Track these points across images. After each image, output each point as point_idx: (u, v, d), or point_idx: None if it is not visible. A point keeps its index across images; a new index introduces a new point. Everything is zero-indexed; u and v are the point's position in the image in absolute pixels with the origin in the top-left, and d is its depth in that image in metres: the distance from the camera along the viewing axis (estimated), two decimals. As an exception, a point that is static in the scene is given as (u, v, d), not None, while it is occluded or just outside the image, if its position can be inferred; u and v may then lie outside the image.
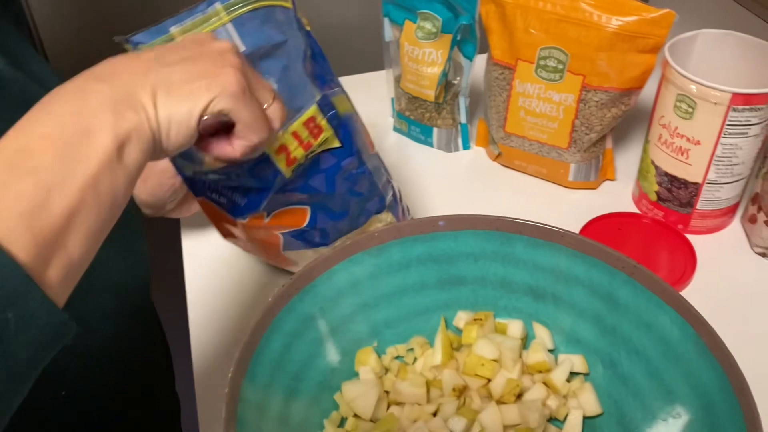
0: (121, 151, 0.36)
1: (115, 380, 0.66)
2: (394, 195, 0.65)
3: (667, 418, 0.51)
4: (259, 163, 0.53)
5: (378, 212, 0.63)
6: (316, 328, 0.56)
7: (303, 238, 0.62)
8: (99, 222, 0.36)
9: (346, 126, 0.57)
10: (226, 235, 0.63)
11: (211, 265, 0.73)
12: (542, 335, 0.58)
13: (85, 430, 0.64)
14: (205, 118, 0.40)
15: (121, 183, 0.37)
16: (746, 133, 0.67)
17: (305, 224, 0.60)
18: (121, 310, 0.63)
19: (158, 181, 0.63)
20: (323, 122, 0.55)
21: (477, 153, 0.89)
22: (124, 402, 0.70)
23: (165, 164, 0.61)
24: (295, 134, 0.54)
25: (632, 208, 0.79)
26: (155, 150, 0.39)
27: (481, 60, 0.83)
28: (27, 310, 0.31)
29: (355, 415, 0.55)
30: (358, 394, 0.55)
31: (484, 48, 0.82)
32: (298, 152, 0.54)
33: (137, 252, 0.67)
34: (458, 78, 0.84)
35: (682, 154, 0.70)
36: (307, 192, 0.58)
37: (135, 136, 0.37)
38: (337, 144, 0.56)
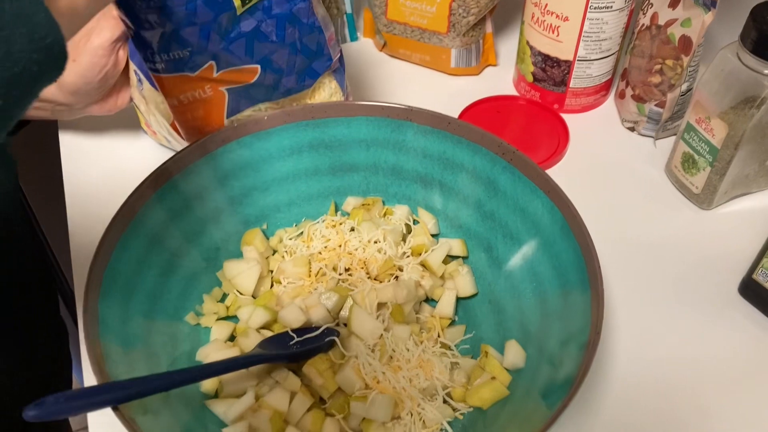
0: None
1: None
2: (341, 59, 0.63)
3: (531, 296, 0.55)
4: None
5: (324, 71, 0.61)
6: (201, 208, 0.55)
7: (248, 94, 0.59)
8: None
9: None
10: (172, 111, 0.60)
11: (93, 172, 0.70)
12: (427, 220, 0.60)
13: None
14: None
15: None
16: (610, 6, 0.69)
17: (254, 80, 0.58)
18: None
19: (90, 60, 0.57)
20: None
21: (364, 44, 0.88)
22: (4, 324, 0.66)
23: (99, 41, 0.56)
24: None
25: (513, 92, 0.81)
26: None
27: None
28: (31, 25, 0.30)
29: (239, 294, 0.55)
30: (240, 271, 0.55)
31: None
32: None
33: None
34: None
35: (553, 32, 0.72)
36: (257, 39, 0.55)
37: None
38: None
